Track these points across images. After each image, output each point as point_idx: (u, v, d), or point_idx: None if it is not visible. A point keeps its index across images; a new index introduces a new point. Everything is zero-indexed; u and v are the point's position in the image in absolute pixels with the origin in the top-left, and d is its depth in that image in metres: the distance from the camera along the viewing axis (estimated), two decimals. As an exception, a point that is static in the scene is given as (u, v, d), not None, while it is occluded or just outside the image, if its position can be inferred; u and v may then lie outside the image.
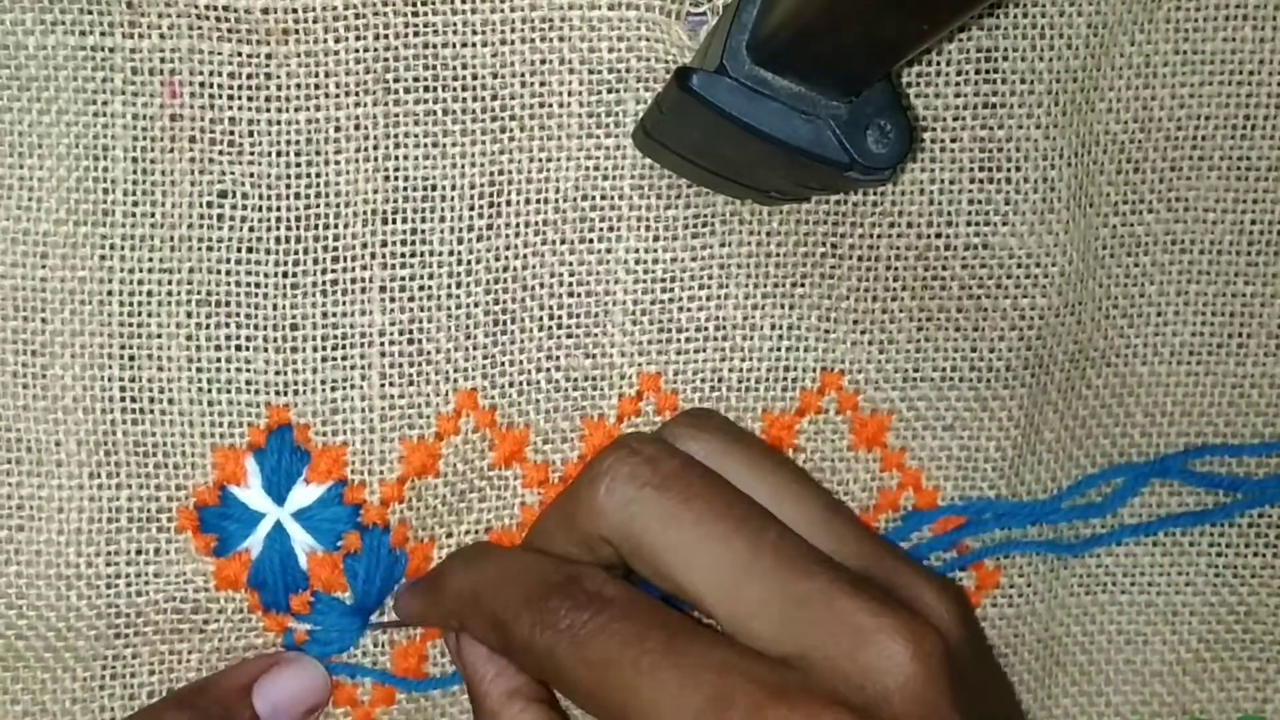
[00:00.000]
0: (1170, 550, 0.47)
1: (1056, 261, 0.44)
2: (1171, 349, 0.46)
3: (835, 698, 0.35)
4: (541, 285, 0.43)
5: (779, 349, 0.44)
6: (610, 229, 0.43)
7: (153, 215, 0.42)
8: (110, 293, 0.42)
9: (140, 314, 0.42)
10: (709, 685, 0.36)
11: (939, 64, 0.43)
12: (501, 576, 0.41)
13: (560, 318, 0.44)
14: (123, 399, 0.42)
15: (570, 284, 0.43)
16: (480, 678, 0.42)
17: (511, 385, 0.44)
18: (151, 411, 0.43)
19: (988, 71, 0.43)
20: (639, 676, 0.36)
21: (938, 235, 0.44)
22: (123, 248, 0.42)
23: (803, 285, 0.44)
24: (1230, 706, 0.48)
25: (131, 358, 0.42)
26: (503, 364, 0.44)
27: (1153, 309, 0.46)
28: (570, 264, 0.43)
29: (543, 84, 0.42)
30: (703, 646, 0.37)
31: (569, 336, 0.44)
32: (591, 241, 0.43)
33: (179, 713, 0.42)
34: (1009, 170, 0.44)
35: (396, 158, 0.42)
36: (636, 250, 0.43)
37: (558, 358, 0.44)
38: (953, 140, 0.43)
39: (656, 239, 0.43)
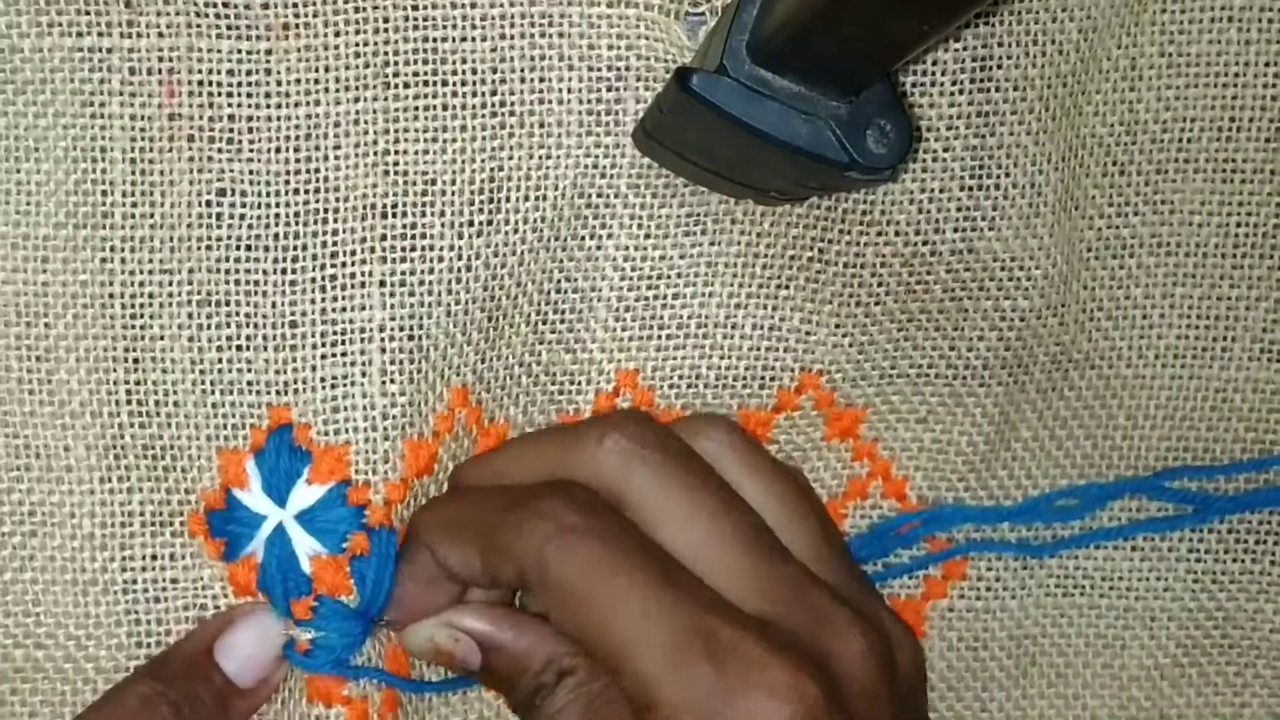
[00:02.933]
0: (1149, 555, 0.45)
1: (1040, 264, 0.43)
2: (1156, 352, 0.44)
3: (811, 658, 0.36)
4: (533, 282, 0.41)
5: (759, 348, 0.43)
6: (602, 226, 0.41)
7: (152, 216, 0.40)
8: (112, 295, 0.40)
9: (143, 316, 0.40)
10: (697, 615, 0.36)
11: (934, 74, 0.42)
12: (478, 496, 0.40)
13: (546, 314, 0.42)
14: (129, 402, 0.40)
15: (559, 280, 0.42)
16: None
17: (496, 381, 0.42)
18: (158, 415, 0.40)
19: (982, 80, 0.42)
20: (632, 591, 0.36)
21: (924, 242, 0.42)
22: (123, 250, 0.40)
23: (787, 287, 0.42)
24: (1208, 712, 0.46)
25: (136, 360, 0.40)
26: (491, 360, 0.42)
27: (1138, 311, 0.44)
28: (560, 260, 0.41)
29: (542, 80, 0.40)
30: (693, 581, 0.37)
31: (552, 332, 0.42)
32: (583, 239, 0.41)
33: (145, 685, 0.39)
34: (998, 177, 0.42)
35: (396, 153, 0.40)
36: (626, 247, 0.42)
37: (539, 353, 0.42)
38: (945, 150, 0.42)
39: (648, 236, 0.42)
